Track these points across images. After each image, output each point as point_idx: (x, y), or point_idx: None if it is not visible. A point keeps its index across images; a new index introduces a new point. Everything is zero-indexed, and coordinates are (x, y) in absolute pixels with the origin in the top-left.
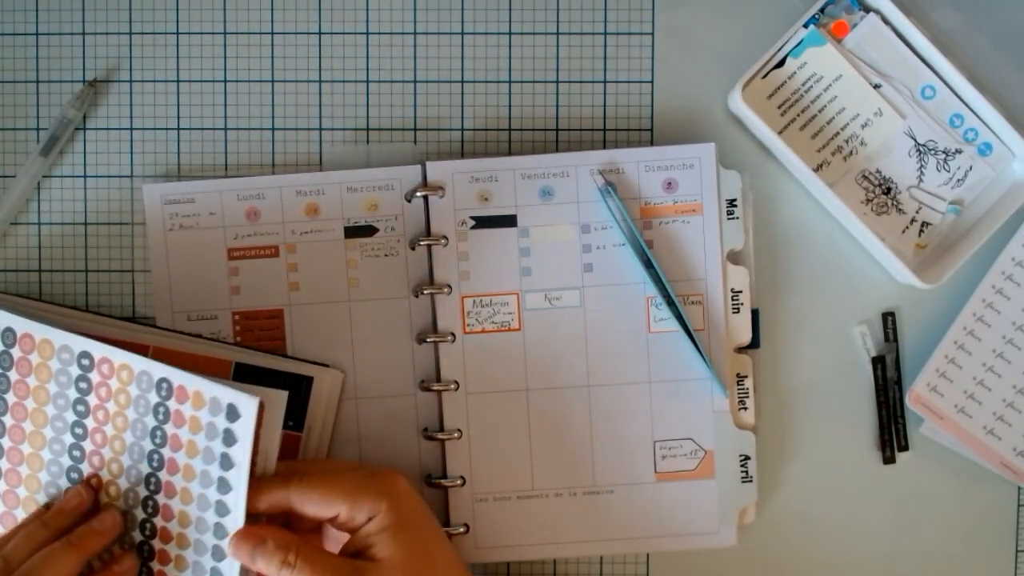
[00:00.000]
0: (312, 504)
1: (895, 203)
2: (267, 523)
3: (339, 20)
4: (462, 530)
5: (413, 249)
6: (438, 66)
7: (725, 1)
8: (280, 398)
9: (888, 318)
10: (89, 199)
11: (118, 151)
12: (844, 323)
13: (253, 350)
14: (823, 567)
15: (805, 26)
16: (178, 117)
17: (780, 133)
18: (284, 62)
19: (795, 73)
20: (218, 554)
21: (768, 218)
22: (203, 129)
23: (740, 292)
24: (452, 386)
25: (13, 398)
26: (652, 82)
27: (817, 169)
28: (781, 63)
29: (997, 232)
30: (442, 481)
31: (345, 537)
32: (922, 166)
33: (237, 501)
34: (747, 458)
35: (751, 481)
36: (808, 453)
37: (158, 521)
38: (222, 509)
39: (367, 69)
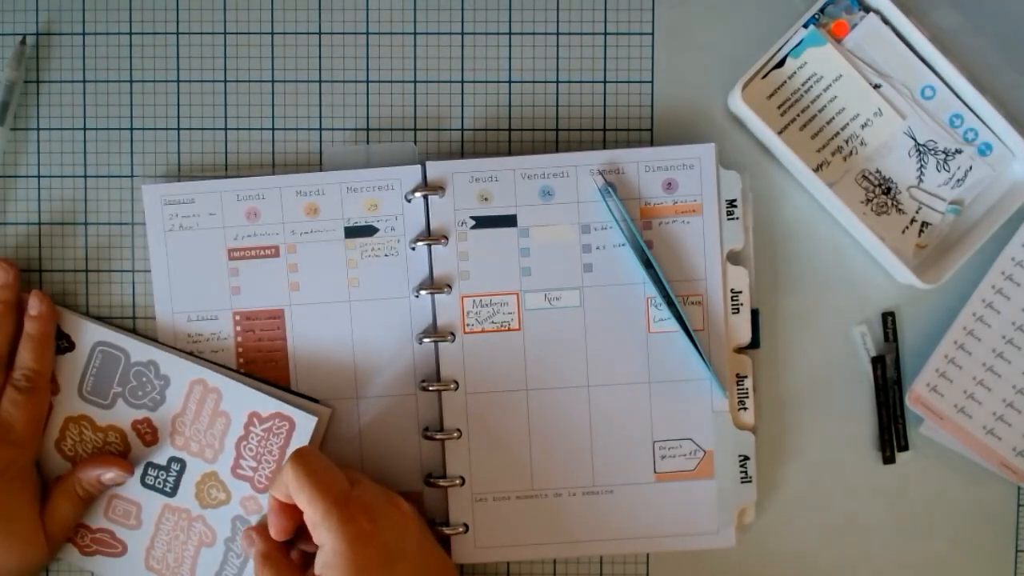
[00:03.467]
0: (296, 498)
1: (895, 203)
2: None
3: (339, 20)
4: (461, 530)
5: (413, 249)
6: (438, 66)
7: (725, 1)
8: (311, 422)
9: (888, 318)
10: (89, 199)
11: (118, 151)
12: (844, 323)
13: (251, 377)
14: (823, 567)
15: (805, 26)
16: (178, 117)
17: (780, 133)
18: (284, 62)
19: (795, 73)
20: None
21: (768, 218)
22: (203, 129)
23: (740, 292)
24: (452, 386)
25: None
26: (652, 82)
27: (817, 169)
28: (781, 63)
29: (997, 232)
30: (442, 481)
31: None
32: (922, 166)
33: None
34: (746, 458)
35: (750, 481)
36: (808, 453)
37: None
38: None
39: (367, 69)
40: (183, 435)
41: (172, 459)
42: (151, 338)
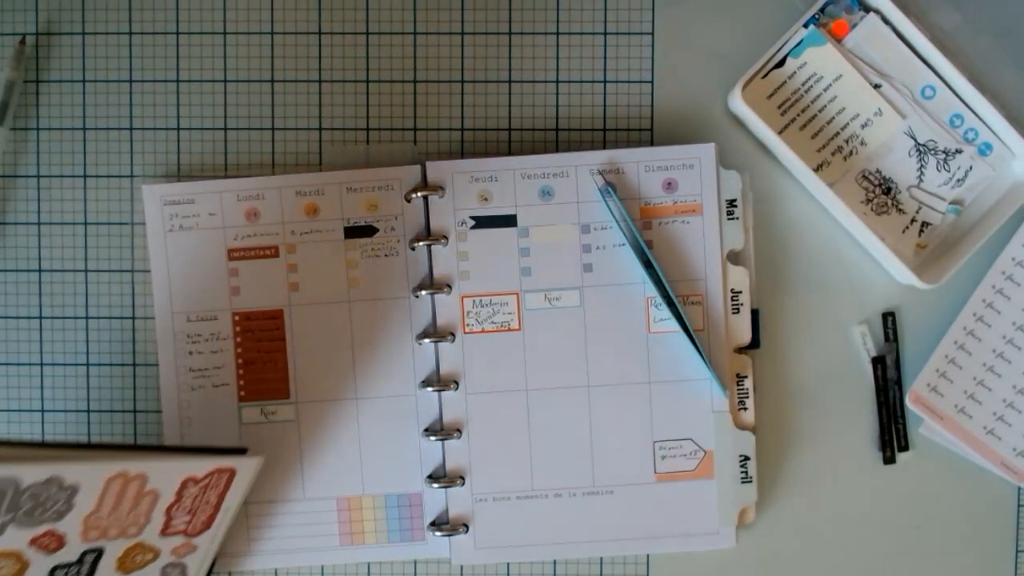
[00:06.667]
0: None
1: (895, 203)
2: None
3: (339, 20)
4: (461, 530)
5: (413, 249)
6: (438, 66)
7: (725, 1)
8: (254, 463)
9: (888, 318)
10: (89, 199)
11: (118, 151)
12: (844, 323)
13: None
14: (823, 568)
15: (805, 26)
16: (178, 117)
17: (780, 133)
18: (284, 62)
19: (795, 73)
20: None
21: (768, 218)
22: (203, 129)
23: (740, 292)
24: (452, 386)
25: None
26: (652, 82)
27: (817, 169)
28: (781, 63)
29: (997, 232)
30: (442, 481)
31: None
32: (922, 166)
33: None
34: (747, 458)
35: (751, 481)
36: (808, 453)
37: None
38: None
39: (367, 69)
40: (99, 528)
41: (85, 552)
42: (49, 443)
